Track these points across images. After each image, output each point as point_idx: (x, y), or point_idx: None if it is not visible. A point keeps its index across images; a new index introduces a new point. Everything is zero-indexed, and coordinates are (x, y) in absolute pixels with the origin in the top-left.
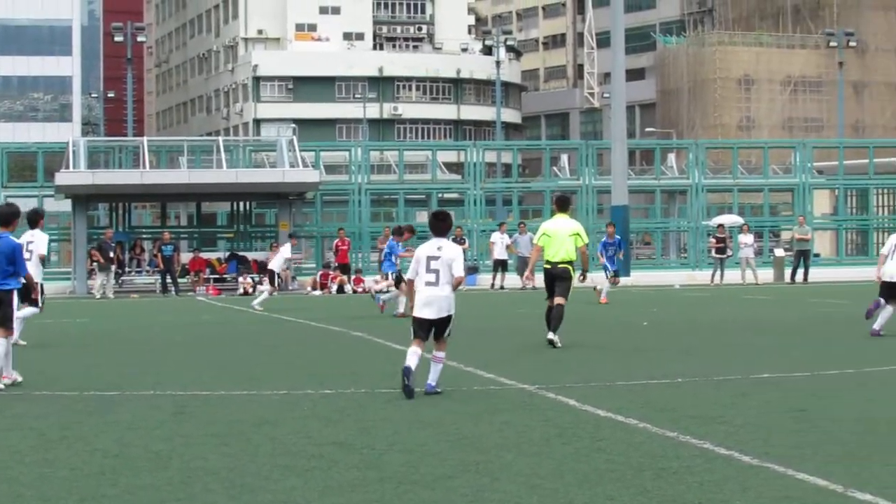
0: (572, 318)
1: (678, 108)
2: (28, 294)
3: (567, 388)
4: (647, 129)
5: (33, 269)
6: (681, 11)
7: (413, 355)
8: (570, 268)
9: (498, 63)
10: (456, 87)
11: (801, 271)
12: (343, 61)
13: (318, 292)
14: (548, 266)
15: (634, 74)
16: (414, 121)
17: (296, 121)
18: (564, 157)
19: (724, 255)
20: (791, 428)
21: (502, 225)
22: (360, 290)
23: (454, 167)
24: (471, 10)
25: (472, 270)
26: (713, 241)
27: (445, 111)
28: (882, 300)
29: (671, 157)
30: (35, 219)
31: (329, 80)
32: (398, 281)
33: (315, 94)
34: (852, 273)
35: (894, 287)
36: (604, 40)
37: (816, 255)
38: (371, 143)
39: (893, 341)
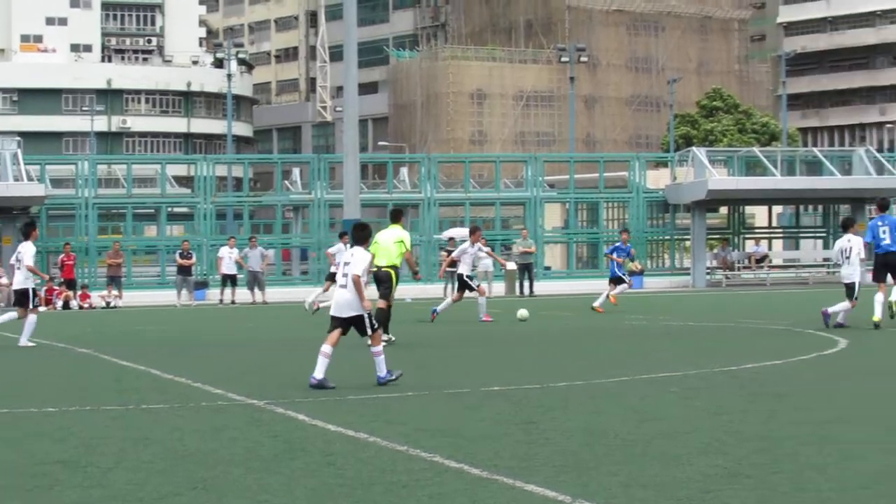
0: (305, 336)
1: (411, 121)
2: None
3: (297, 402)
4: (380, 143)
5: (21, 277)
6: (414, 26)
7: (321, 362)
8: (392, 272)
9: (229, 76)
10: (186, 100)
11: (527, 284)
12: (70, 73)
13: (42, 308)
14: (374, 270)
15: (367, 88)
16: (143, 134)
17: (21, 133)
18: (296, 171)
19: (456, 269)
20: (520, 440)
21: (231, 239)
22: (86, 305)
23: (184, 181)
24: (202, 23)
25: (201, 285)
26: (444, 254)
27: (175, 124)
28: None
29: (403, 170)
30: (27, 231)
31: (55, 93)
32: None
33: (41, 106)
34: (582, 286)
35: (852, 287)
36: (336, 54)
37: (547, 268)
38: (98, 157)
39: (623, 354)
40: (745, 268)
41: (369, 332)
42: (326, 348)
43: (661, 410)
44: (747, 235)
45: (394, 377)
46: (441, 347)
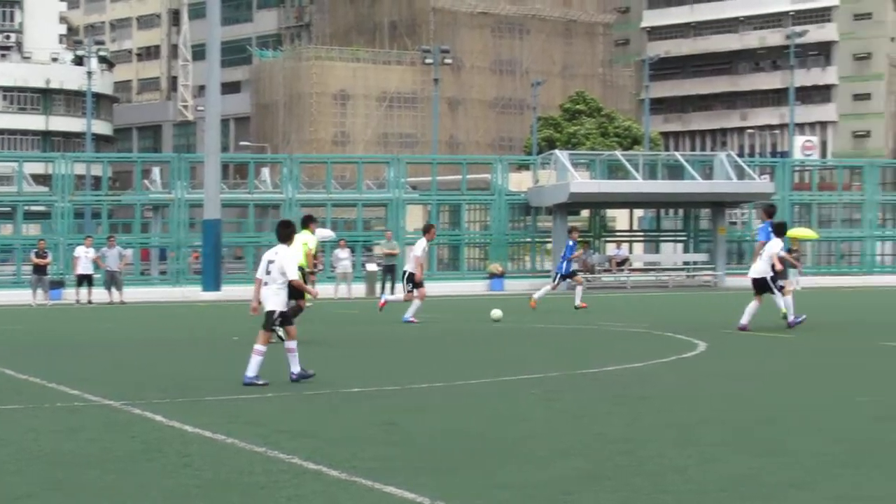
0: (162, 337)
1: (273, 122)
2: None
3: (154, 403)
4: (242, 143)
5: None
6: (278, 25)
7: (254, 360)
8: (300, 273)
9: (89, 74)
10: (45, 98)
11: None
12: None
13: None
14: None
15: (230, 88)
16: (0, 131)
17: None
18: (156, 170)
19: (316, 270)
20: (380, 441)
21: (88, 238)
22: None
23: (42, 179)
24: (62, 20)
25: (57, 284)
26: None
27: (33, 122)
28: (804, 315)
29: (265, 171)
30: None
31: None
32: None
33: None
34: (445, 288)
35: (761, 283)
36: (199, 52)
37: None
38: None
39: (484, 356)
40: (605, 271)
41: (274, 328)
42: (259, 347)
43: (522, 412)
44: (608, 238)
45: (310, 374)
46: (316, 347)
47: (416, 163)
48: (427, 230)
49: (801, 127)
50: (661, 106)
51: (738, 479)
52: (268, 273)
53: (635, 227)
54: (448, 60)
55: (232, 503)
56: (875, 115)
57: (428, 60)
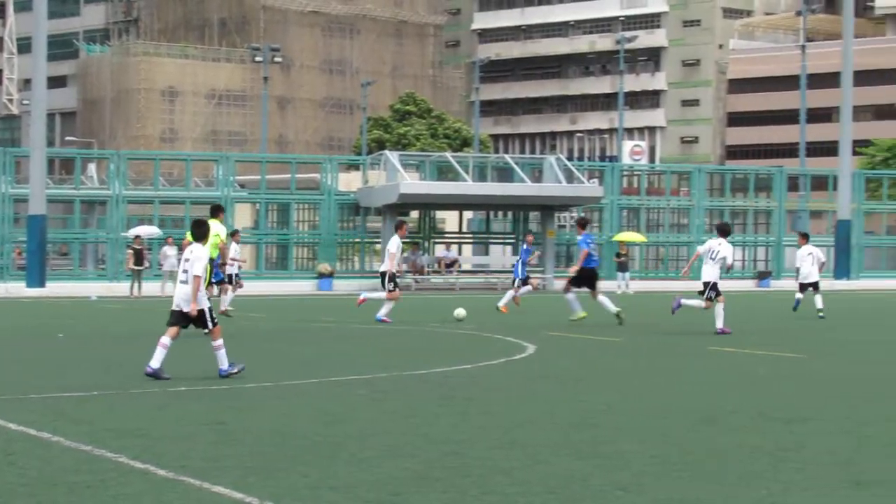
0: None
1: (101, 117)
2: None
3: None
4: (68, 138)
5: None
6: (106, 20)
7: (158, 353)
8: (210, 264)
9: None
10: None
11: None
12: None
13: None
14: None
15: (56, 82)
16: None
17: None
18: None
19: (143, 267)
20: (209, 441)
21: None
22: None
23: None
24: None
25: None
26: (130, 252)
27: None
28: (682, 299)
29: (92, 167)
30: None
31: None
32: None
33: None
34: (273, 287)
35: (707, 286)
36: (24, 46)
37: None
38: None
39: (313, 356)
40: (434, 272)
41: (210, 326)
42: (165, 340)
43: (350, 413)
44: (438, 240)
45: (235, 370)
46: (145, 343)
47: (245, 161)
48: (399, 227)
49: (630, 132)
50: (491, 108)
51: (564, 481)
52: (184, 271)
53: (465, 228)
54: (278, 59)
55: (58, 502)
56: (703, 121)
57: (258, 59)
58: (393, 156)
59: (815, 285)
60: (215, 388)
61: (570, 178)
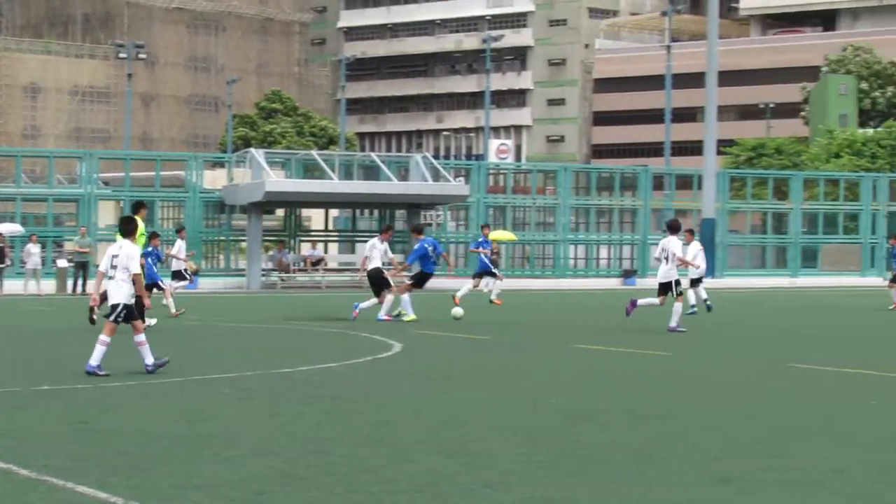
0: None
1: None
2: None
3: None
4: None
5: None
6: None
7: (98, 349)
8: None
9: None
10: None
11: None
12: None
13: None
14: None
15: None
16: None
17: None
18: None
19: (5, 265)
20: (72, 440)
21: None
22: None
23: None
24: None
25: None
26: None
27: None
28: (638, 301)
29: None
30: None
31: None
32: None
33: None
34: None
35: (667, 286)
36: None
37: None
38: None
39: (177, 355)
40: (300, 270)
41: (119, 321)
42: (104, 337)
43: (214, 411)
44: (303, 238)
45: (161, 363)
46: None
47: (108, 158)
48: (386, 230)
49: (496, 130)
50: (357, 106)
51: (432, 479)
52: (113, 267)
53: (331, 227)
54: (142, 55)
55: None
56: (569, 120)
57: (121, 55)
58: (259, 154)
59: (700, 280)
60: (79, 388)
61: (437, 176)
